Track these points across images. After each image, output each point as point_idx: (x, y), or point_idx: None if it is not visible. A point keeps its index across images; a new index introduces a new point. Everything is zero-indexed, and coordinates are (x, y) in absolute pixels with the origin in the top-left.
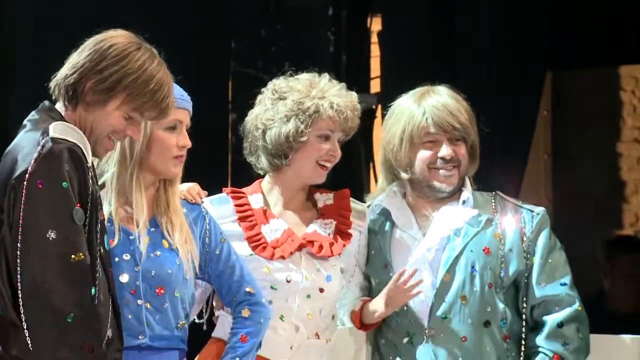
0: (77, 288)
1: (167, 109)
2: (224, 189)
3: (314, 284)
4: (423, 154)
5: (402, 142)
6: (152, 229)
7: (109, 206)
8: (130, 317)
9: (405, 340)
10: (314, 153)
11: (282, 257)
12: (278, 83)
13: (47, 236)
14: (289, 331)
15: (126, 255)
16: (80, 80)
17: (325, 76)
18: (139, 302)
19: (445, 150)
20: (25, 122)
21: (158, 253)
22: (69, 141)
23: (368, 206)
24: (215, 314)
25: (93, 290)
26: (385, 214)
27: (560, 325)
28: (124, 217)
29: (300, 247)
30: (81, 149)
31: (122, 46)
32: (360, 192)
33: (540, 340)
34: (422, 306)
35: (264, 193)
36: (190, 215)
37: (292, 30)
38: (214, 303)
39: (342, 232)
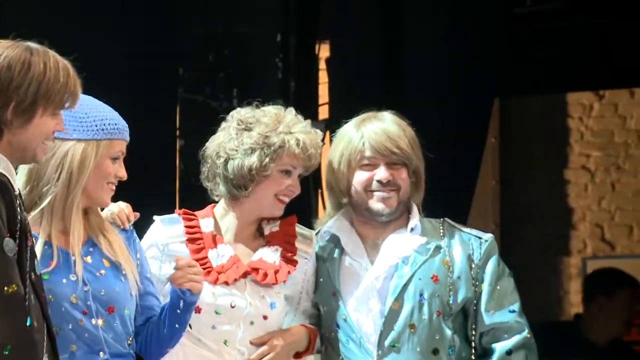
0: (12, 320)
1: (78, 90)
2: (176, 210)
3: (257, 310)
4: (359, 177)
5: (340, 166)
6: (91, 249)
7: (46, 229)
8: (86, 335)
9: None
10: (275, 187)
11: (226, 283)
12: (244, 113)
13: None
14: (233, 355)
15: (73, 276)
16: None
17: (291, 111)
18: (93, 321)
19: (381, 173)
20: None
21: (102, 272)
22: None
23: (317, 233)
24: None
25: (29, 321)
26: (335, 241)
27: (509, 352)
28: (62, 240)
29: (245, 275)
30: (7, 177)
31: (18, 57)
32: (309, 218)
33: None
34: (372, 335)
35: (215, 218)
36: (120, 237)
37: (240, 56)
38: None
39: (288, 259)
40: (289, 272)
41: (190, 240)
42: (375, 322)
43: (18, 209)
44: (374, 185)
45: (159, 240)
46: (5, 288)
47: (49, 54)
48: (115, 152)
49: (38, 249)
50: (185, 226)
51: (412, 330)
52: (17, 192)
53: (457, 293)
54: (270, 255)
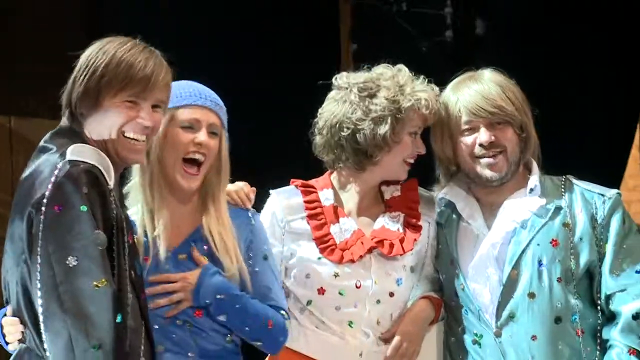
0: (102, 316)
1: (149, 80)
2: (292, 181)
3: (383, 288)
4: (463, 143)
5: (443, 136)
6: (192, 243)
7: (142, 221)
8: (174, 337)
9: (473, 340)
10: (405, 151)
11: (352, 261)
12: (360, 79)
13: (67, 263)
14: (358, 338)
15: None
16: (69, 97)
17: (403, 69)
18: (178, 322)
19: (483, 136)
20: (43, 143)
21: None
22: (87, 163)
23: None
24: None
25: (119, 318)
26: (451, 207)
27: (636, 316)
28: (167, 235)
29: (370, 250)
30: (101, 170)
31: (87, 52)
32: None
33: (614, 333)
34: (489, 305)
35: (335, 188)
36: (235, 220)
37: None
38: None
39: (412, 225)
40: (414, 240)
41: (311, 217)
42: (493, 292)
43: (113, 203)
44: (477, 149)
45: (278, 217)
46: (95, 283)
47: (123, 43)
48: (182, 120)
49: (140, 243)
50: (305, 201)
51: (531, 299)
52: (110, 186)
53: (579, 256)
54: (392, 223)
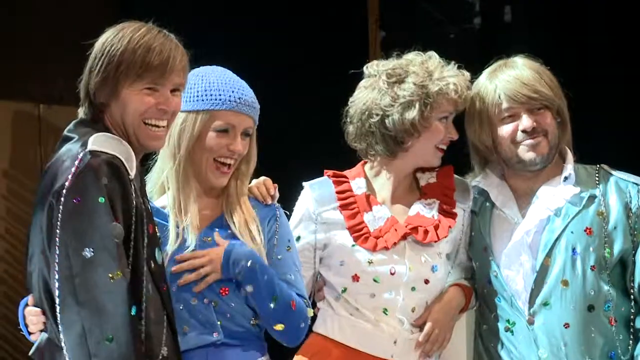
0: (116, 308)
1: (166, 66)
2: (325, 171)
3: (418, 275)
4: (504, 130)
5: (481, 123)
6: (217, 228)
7: (171, 207)
8: (200, 316)
9: (506, 327)
10: (436, 137)
11: (386, 248)
12: (389, 65)
13: (84, 254)
14: (392, 325)
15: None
16: (87, 87)
17: (434, 55)
18: (205, 301)
19: (525, 122)
20: (66, 133)
21: None
22: (108, 153)
23: None
24: (317, 307)
25: (134, 310)
26: (485, 195)
27: None
28: (189, 219)
29: (404, 236)
30: (121, 160)
31: (101, 39)
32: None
33: None
34: (522, 292)
35: (367, 177)
36: (259, 213)
37: None
38: (316, 295)
39: (447, 212)
40: (449, 227)
41: (343, 206)
42: (526, 279)
43: (133, 193)
44: (520, 136)
45: (310, 209)
46: (110, 275)
47: (140, 29)
48: (219, 125)
49: (172, 229)
50: (337, 191)
51: (564, 286)
52: (131, 176)
53: (613, 245)
54: (427, 210)
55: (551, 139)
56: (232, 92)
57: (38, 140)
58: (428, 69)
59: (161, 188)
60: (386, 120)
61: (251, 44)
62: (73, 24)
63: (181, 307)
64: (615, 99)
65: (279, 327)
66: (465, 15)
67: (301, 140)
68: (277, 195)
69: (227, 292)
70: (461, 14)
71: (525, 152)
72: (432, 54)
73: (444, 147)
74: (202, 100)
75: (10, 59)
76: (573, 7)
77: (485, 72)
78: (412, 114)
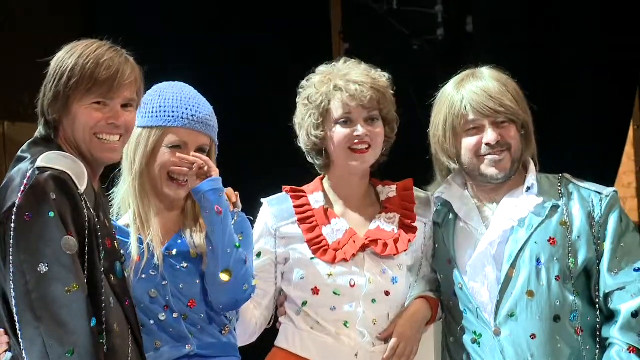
0: (75, 321)
1: (114, 81)
2: (284, 187)
3: (378, 287)
4: (468, 142)
5: (445, 133)
6: (179, 241)
7: (132, 223)
8: (171, 330)
9: (472, 339)
10: (339, 140)
11: (345, 260)
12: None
13: (39, 270)
14: (353, 338)
15: (152, 271)
16: (42, 104)
17: (341, 60)
18: (175, 315)
19: (489, 136)
20: (20, 153)
21: (185, 265)
22: (55, 169)
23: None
24: (279, 321)
25: (93, 322)
26: (448, 206)
27: (635, 314)
28: (150, 233)
29: (363, 248)
30: (70, 175)
31: (56, 57)
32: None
33: (614, 331)
34: (488, 304)
35: (325, 191)
36: None
37: None
38: (278, 310)
39: (407, 226)
40: (409, 241)
41: (302, 220)
42: (492, 291)
43: (84, 206)
44: (484, 149)
45: (269, 224)
46: (66, 288)
47: (90, 46)
48: (171, 142)
49: (133, 244)
50: (295, 206)
51: (530, 297)
52: (81, 191)
53: (577, 254)
54: (387, 224)
55: (514, 152)
56: (186, 109)
57: (3, 157)
58: (323, 78)
59: (125, 205)
60: (300, 138)
61: (212, 54)
62: (39, 41)
63: (152, 322)
64: (580, 108)
65: (226, 276)
66: (428, 27)
67: (263, 152)
68: (240, 204)
69: (195, 304)
70: (424, 25)
71: (487, 168)
72: (336, 63)
73: (359, 147)
74: (156, 117)
75: None
76: (536, 15)
77: (452, 81)
78: (307, 124)
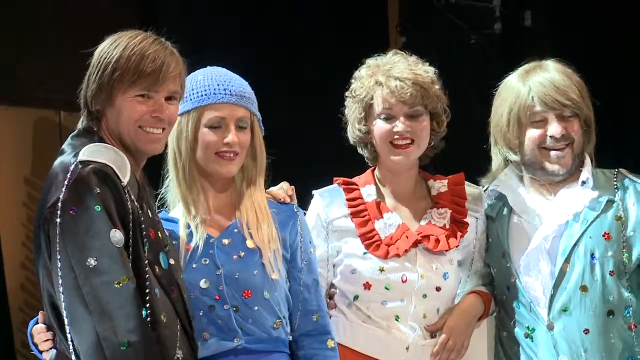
0: (126, 314)
1: (159, 73)
2: (335, 179)
3: (430, 282)
4: (532, 134)
5: (509, 123)
6: (235, 230)
7: (183, 213)
8: (219, 321)
9: (525, 333)
10: (381, 135)
11: (397, 255)
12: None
13: (87, 264)
14: (404, 332)
15: (205, 260)
16: (85, 95)
17: (386, 56)
18: (225, 307)
19: (554, 128)
20: (63, 146)
21: (242, 254)
22: (98, 162)
23: (484, 190)
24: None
25: (144, 313)
26: (503, 199)
27: None
28: (203, 221)
29: (415, 244)
30: (112, 168)
31: (99, 48)
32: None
33: None
34: (541, 298)
35: (377, 184)
36: (278, 216)
37: None
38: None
39: (458, 222)
40: (461, 236)
41: (354, 214)
42: (545, 285)
43: (128, 199)
44: (548, 141)
45: (322, 217)
46: (116, 282)
47: (134, 38)
48: (208, 120)
49: (182, 232)
50: (347, 199)
51: (583, 292)
52: (124, 183)
53: (632, 250)
54: (439, 219)
55: (576, 147)
56: (218, 84)
57: (59, 148)
58: (370, 72)
59: (176, 199)
60: (348, 132)
61: (268, 50)
62: (97, 32)
63: (201, 313)
64: (634, 104)
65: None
66: (485, 21)
67: (316, 146)
68: (295, 198)
69: (250, 295)
70: (481, 20)
71: (550, 164)
72: (381, 58)
73: (401, 142)
74: (190, 100)
75: (31, 66)
76: (595, 11)
77: (517, 73)
78: (352, 119)
